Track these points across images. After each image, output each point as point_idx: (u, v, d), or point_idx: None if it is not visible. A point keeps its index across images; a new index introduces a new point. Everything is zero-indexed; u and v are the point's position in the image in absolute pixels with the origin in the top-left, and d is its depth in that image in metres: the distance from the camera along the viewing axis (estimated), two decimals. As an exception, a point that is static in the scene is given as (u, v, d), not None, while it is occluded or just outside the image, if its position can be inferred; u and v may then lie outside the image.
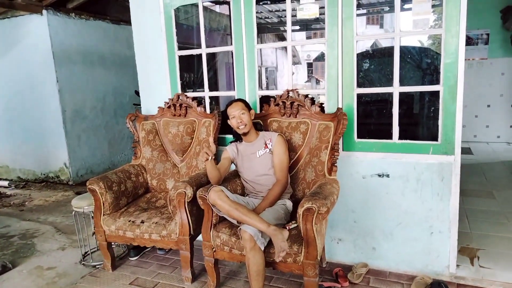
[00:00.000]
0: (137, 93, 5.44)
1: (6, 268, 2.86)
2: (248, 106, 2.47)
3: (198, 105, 2.99)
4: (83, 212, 2.85)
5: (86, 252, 3.00)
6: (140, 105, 5.32)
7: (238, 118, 2.39)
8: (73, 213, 2.95)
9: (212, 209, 2.28)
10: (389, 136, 2.46)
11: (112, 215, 2.64)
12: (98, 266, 2.82)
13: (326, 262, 2.68)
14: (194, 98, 3.01)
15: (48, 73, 4.96)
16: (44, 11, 4.80)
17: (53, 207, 4.37)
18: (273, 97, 2.74)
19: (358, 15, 2.46)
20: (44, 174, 5.46)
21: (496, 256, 2.63)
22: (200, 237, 2.44)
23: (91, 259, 2.93)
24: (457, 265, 2.45)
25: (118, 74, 5.84)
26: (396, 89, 2.42)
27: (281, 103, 2.67)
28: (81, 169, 5.35)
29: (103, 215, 2.64)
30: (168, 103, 3.05)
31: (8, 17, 5.04)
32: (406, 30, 2.48)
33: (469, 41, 6.27)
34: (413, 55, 3.58)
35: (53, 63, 4.90)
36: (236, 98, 2.76)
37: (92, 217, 2.81)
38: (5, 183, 5.43)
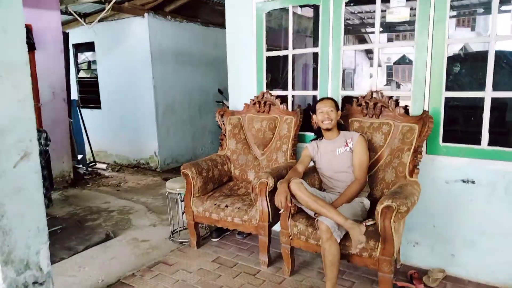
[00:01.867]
0: (220, 91, 5.84)
1: (109, 237, 3.32)
2: (337, 106, 2.59)
3: (280, 103, 3.17)
4: (175, 193, 3.19)
5: (174, 230, 3.36)
6: (222, 102, 5.70)
7: (326, 113, 2.52)
8: (166, 193, 3.32)
9: (291, 199, 2.43)
10: (477, 142, 2.40)
11: (200, 198, 2.93)
12: (184, 243, 3.14)
13: (401, 264, 2.69)
14: (276, 97, 3.20)
15: (146, 70, 5.54)
16: (145, 14, 5.38)
17: (144, 189, 4.89)
18: (355, 97, 2.82)
19: (450, 17, 2.43)
20: (136, 161, 6.10)
21: None
22: (277, 227, 2.61)
23: (179, 236, 3.27)
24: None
25: (203, 73, 6.28)
26: (488, 94, 2.35)
27: (364, 104, 2.73)
28: (168, 158, 5.88)
29: (193, 197, 2.94)
30: (253, 100, 3.28)
31: (115, 19, 5.74)
32: (503, 33, 2.39)
33: None
34: (509, 60, 3.36)
35: (151, 61, 5.47)
36: (319, 97, 2.88)
37: (182, 200, 3.14)
38: (104, 166, 6.18)
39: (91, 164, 6.09)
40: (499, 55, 3.43)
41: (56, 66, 4.83)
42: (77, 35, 6.14)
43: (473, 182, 2.41)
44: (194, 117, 6.23)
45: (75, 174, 5.25)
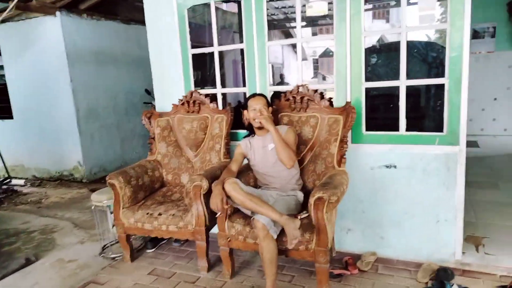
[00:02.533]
0: (147, 91, 5.58)
1: (30, 261, 2.99)
2: (268, 102, 2.57)
3: (210, 102, 3.09)
4: (103, 206, 2.97)
5: (105, 245, 3.13)
6: (150, 103, 5.45)
7: (258, 111, 2.49)
8: (92, 207, 3.08)
9: (227, 201, 2.37)
10: (396, 128, 2.55)
11: (131, 208, 2.76)
12: (117, 258, 2.94)
13: (336, 252, 2.77)
14: (206, 95, 3.11)
15: (62, 73, 5.09)
16: (57, 13, 4.93)
17: (69, 204, 4.51)
18: (283, 92, 2.84)
19: (365, 10, 2.53)
20: (58, 173, 5.61)
21: (500, 244, 2.70)
22: (214, 229, 2.54)
23: (110, 251, 3.05)
24: (463, 253, 2.53)
25: (129, 73, 5.96)
26: (403, 83, 2.50)
27: (291, 98, 2.76)
28: (95, 167, 5.49)
29: (122, 208, 2.75)
30: (182, 100, 3.16)
31: (23, 19, 5.18)
32: (412, 25, 2.55)
33: (476, 35, 6.29)
34: (419, 49, 3.64)
35: (67, 64, 5.04)
36: (249, 94, 2.86)
37: (111, 212, 2.93)
38: (21, 181, 5.60)
39: (5, 181, 5.48)
40: (410, 45, 3.69)
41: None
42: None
43: (395, 167, 2.56)
44: (121, 120, 5.89)
45: (-14, 194, 4.68)
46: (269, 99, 2.81)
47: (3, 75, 5.70)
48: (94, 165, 5.48)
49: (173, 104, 3.20)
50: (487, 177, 4.26)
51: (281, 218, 2.11)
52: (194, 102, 3.12)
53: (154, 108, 3.38)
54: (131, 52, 5.95)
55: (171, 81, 3.26)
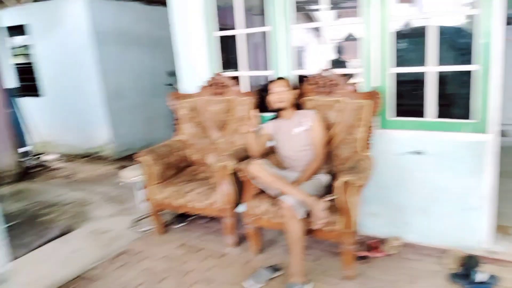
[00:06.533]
0: (169, 73, 5.65)
1: (66, 231, 3.19)
2: (291, 86, 2.61)
3: (234, 85, 3.15)
4: (132, 182, 3.12)
5: (135, 219, 3.29)
6: (171, 85, 5.52)
7: (277, 94, 2.54)
8: (121, 183, 3.23)
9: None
10: (422, 114, 2.54)
11: (160, 185, 2.89)
12: (147, 231, 3.10)
13: (360, 235, 2.80)
14: (231, 78, 3.17)
15: (90, 53, 5.22)
16: (83, -7, 5.02)
17: (99, 179, 4.70)
18: (307, 76, 2.86)
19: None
20: (86, 150, 5.81)
21: (528, 234, 2.67)
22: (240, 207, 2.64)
23: (141, 225, 3.21)
24: (490, 241, 2.51)
25: (152, 54, 6.03)
26: (431, 69, 2.48)
27: (315, 82, 2.77)
28: (121, 146, 5.66)
29: (152, 184, 2.89)
30: (210, 82, 3.22)
31: (50, -1, 5.31)
32: (441, 9, 2.52)
33: (510, 21, 6.05)
34: (448, 35, 3.56)
35: (94, 43, 5.17)
36: (272, 77, 2.89)
37: (139, 188, 3.08)
38: (51, 157, 5.84)
39: (37, 156, 5.73)
40: (439, 30, 3.60)
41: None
42: (10, 16, 5.61)
43: (420, 153, 2.55)
44: (147, 101, 6.02)
45: (20, 168, 4.91)
46: (295, 82, 2.85)
47: (32, 54, 5.87)
48: (121, 143, 5.65)
49: (199, 86, 3.27)
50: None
51: (308, 199, 2.18)
52: (219, 84, 3.18)
53: (176, 89, 3.46)
54: (154, 34, 5.99)
55: (195, 63, 3.30)
